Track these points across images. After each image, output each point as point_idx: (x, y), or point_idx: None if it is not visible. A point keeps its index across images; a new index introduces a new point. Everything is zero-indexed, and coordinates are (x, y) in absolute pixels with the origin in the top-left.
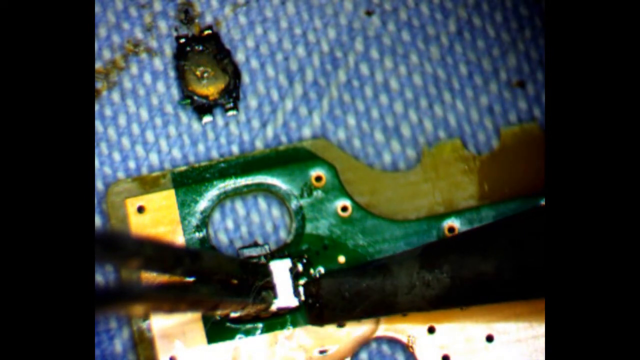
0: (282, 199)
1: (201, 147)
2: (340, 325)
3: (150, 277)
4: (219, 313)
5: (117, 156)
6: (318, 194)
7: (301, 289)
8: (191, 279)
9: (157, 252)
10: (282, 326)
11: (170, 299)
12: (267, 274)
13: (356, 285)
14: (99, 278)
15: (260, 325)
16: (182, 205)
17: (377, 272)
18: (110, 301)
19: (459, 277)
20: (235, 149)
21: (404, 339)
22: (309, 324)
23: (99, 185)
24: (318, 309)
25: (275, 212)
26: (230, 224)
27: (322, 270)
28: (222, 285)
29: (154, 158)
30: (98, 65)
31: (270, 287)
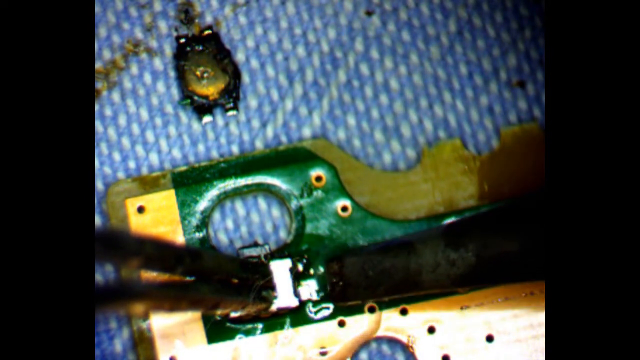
0: (282, 199)
1: (201, 147)
2: (363, 303)
3: (150, 276)
4: (219, 312)
5: (117, 156)
6: (318, 194)
7: (303, 292)
8: (191, 279)
9: (158, 251)
10: (282, 326)
11: (170, 297)
12: (268, 273)
13: (380, 264)
14: (99, 278)
15: (260, 325)
16: (182, 205)
17: (401, 250)
18: (111, 299)
19: (484, 256)
20: (235, 149)
21: (404, 339)
22: (332, 302)
23: (99, 185)
24: (341, 287)
25: (275, 212)
26: (230, 224)
27: (321, 270)
28: (222, 285)
29: (154, 158)
30: (98, 65)
31: (271, 287)
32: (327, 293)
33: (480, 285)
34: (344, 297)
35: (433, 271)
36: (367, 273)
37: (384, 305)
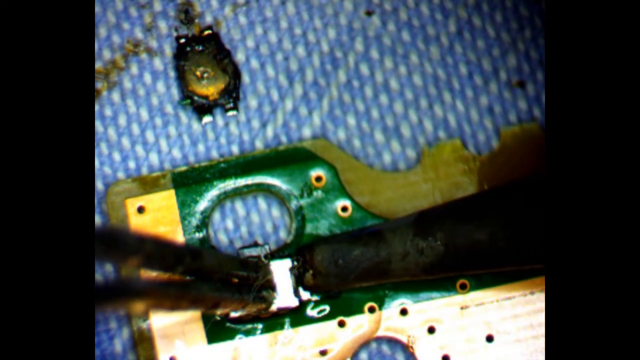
0: (282, 199)
1: (201, 147)
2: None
3: (151, 276)
4: (219, 312)
5: (117, 156)
6: (318, 194)
7: (303, 292)
8: (191, 278)
9: (158, 250)
10: (282, 326)
11: (170, 296)
12: (268, 272)
13: (349, 252)
14: (99, 278)
15: (260, 325)
16: (182, 205)
17: (371, 239)
18: (111, 297)
19: (452, 244)
20: (235, 149)
21: (404, 339)
22: (304, 290)
23: (99, 185)
24: (312, 275)
25: (275, 212)
26: (230, 224)
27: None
28: (222, 284)
29: (154, 158)
30: (98, 65)
31: (271, 286)
32: (297, 281)
33: (449, 272)
34: (315, 286)
35: (402, 259)
36: (337, 261)
37: (384, 305)
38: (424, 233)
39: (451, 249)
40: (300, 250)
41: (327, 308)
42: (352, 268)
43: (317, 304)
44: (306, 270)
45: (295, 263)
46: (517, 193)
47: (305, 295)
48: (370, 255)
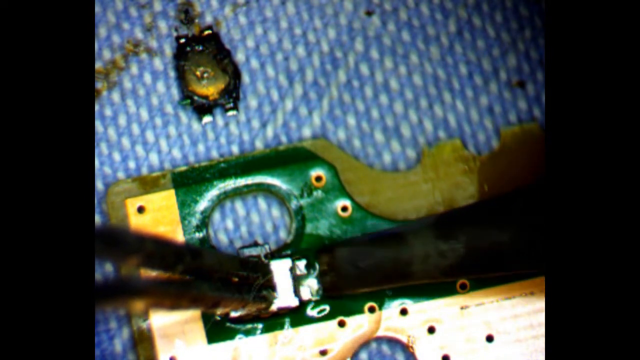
0: (282, 199)
1: (201, 147)
2: (355, 294)
3: (150, 275)
4: (219, 312)
5: (117, 156)
6: (318, 194)
7: (303, 292)
8: (191, 278)
9: (158, 249)
10: (282, 326)
11: (171, 294)
12: (268, 272)
13: (370, 255)
14: (98, 278)
15: (260, 325)
16: (182, 205)
17: (392, 241)
18: (111, 296)
19: (474, 247)
20: (235, 149)
21: (404, 339)
22: (325, 294)
23: (99, 185)
24: (332, 277)
25: (275, 212)
26: (230, 224)
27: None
28: (222, 283)
29: (154, 158)
30: (98, 65)
31: (271, 286)
32: (319, 285)
33: (470, 275)
34: (335, 288)
35: (423, 262)
36: (358, 264)
37: (384, 305)
38: (446, 235)
39: (472, 252)
40: (320, 252)
41: (327, 308)
42: (372, 270)
43: (317, 303)
44: (326, 272)
45: (317, 266)
46: (534, 196)
47: (305, 295)
48: (391, 257)
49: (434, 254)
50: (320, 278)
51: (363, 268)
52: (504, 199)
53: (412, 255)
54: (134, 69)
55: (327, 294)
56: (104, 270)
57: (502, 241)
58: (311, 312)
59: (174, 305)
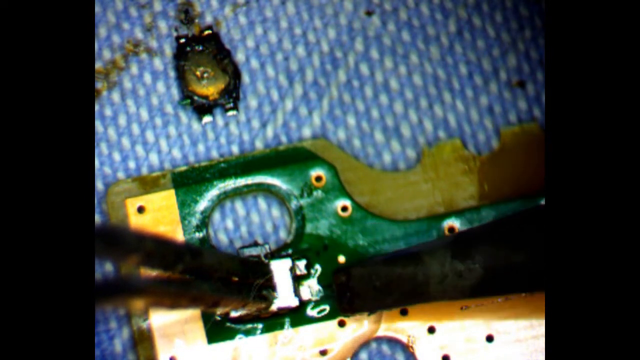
0: (282, 199)
1: (201, 147)
2: (371, 313)
3: (150, 274)
4: (219, 312)
5: (117, 156)
6: (318, 194)
7: (303, 292)
8: (191, 277)
9: (158, 248)
10: (282, 326)
11: (171, 293)
12: (268, 271)
13: (387, 275)
14: (98, 277)
15: (260, 325)
16: (182, 205)
17: (409, 262)
18: (110, 294)
19: (491, 267)
20: (235, 149)
21: (404, 339)
22: (340, 313)
23: (99, 185)
24: (349, 298)
25: (275, 212)
26: (230, 224)
27: (319, 270)
28: (222, 283)
29: (154, 158)
30: (98, 65)
31: (271, 286)
32: (335, 305)
33: (488, 295)
34: (352, 308)
35: (440, 282)
36: (375, 284)
37: None
38: (462, 255)
39: (490, 272)
40: (337, 272)
41: (327, 308)
42: (389, 291)
43: (317, 303)
44: (343, 293)
45: (333, 286)
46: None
47: (305, 295)
48: (408, 278)
49: (451, 274)
50: (337, 298)
51: (380, 288)
52: (521, 217)
53: (428, 275)
54: (134, 69)
55: (344, 313)
56: (104, 270)
57: (519, 261)
58: (311, 312)
59: (174, 304)
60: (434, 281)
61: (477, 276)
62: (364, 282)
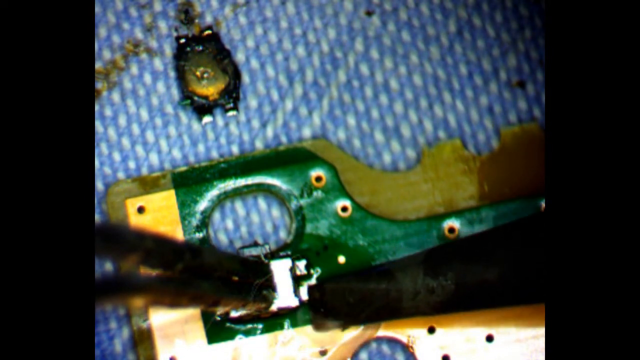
0: (282, 199)
1: (201, 147)
2: (344, 328)
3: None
4: (219, 311)
5: (117, 156)
6: (318, 194)
7: (303, 292)
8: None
9: (158, 246)
10: (282, 326)
11: (171, 292)
12: (268, 271)
13: (360, 291)
14: (98, 276)
15: (260, 325)
16: (182, 205)
17: (381, 278)
18: (110, 292)
19: (462, 284)
20: (235, 149)
21: (404, 339)
22: (314, 329)
23: (99, 185)
24: (322, 314)
25: (275, 212)
26: (230, 224)
27: (319, 270)
28: (222, 282)
29: (154, 158)
30: (98, 65)
31: (271, 286)
32: (309, 319)
33: (460, 311)
34: (325, 325)
35: (413, 299)
36: (348, 300)
37: None
38: (434, 272)
39: (461, 288)
40: (311, 289)
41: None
42: (362, 307)
43: None
44: (318, 308)
45: (308, 300)
46: (521, 232)
47: (305, 295)
48: (381, 294)
49: (423, 290)
50: (311, 314)
51: (353, 304)
52: (491, 235)
53: (401, 292)
54: (134, 69)
55: (317, 330)
56: (104, 270)
57: (491, 278)
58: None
59: (174, 303)
60: (406, 297)
61: (449, 292)
62: (337, 298)
